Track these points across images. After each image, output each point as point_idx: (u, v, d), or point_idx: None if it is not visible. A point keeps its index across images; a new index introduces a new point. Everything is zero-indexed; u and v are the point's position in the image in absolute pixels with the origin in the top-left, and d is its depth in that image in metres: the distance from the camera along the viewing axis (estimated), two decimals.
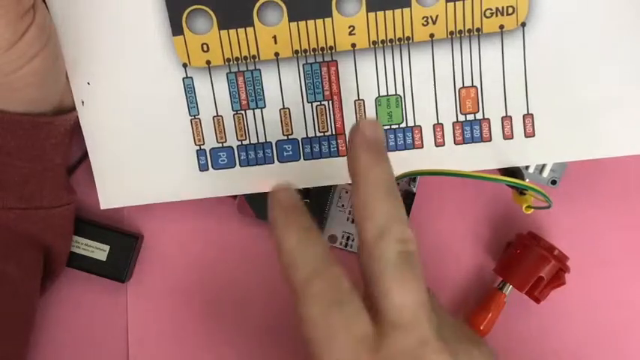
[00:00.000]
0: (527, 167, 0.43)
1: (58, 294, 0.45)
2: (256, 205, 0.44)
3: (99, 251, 0.43)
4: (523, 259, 0.42)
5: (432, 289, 0.45)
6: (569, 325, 0.45)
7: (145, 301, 0.45)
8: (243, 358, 0.45)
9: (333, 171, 0.41)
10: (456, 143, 0.40)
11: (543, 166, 0.43)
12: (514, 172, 0.42)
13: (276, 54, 0.39)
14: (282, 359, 0.45)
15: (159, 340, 0.45)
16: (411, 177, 0.44)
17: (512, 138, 0.40)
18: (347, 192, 0.44)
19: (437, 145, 0.40)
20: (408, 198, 0.44)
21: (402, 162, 0.40)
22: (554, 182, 0.43)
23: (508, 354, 0.45)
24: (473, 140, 0.40)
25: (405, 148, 0.40)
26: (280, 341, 0.45)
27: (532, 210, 0.41)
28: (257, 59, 0.39)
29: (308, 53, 0.39)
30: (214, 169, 0.41)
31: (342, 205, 0.44)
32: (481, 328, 0.43)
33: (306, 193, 0.44)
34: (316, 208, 0.44)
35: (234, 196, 0.44)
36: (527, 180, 0.41)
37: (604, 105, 0.39)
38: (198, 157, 0.41)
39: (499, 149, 0.40)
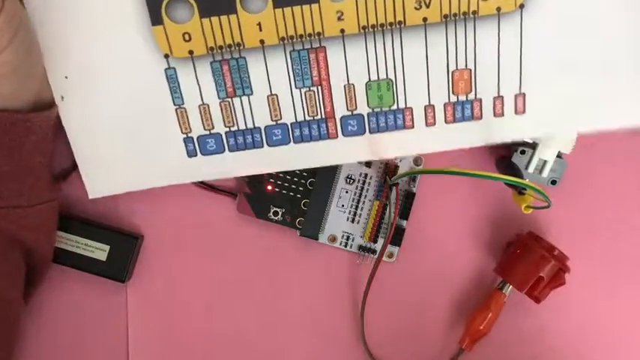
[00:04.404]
0: (527, 167, 0.43)
1: (58, 294, 0.45)
2: (256, 205, 0.44)
3: (99, 251, 0.43)
4: (523, 259, 0.42)
5: (432, 289, 0.45)
6: (569, 325, 0.45)
7: (144, 301, 0.45)
8: (243, 358, 0.45)
9: (323, 153, 0.40)
10: (446, 122, 0.40)
11: (543, 165, 0.43)
12: (513, 170, 0.42)
13: (262, 41, 0.38)
14: (282, 357, 0.45)
15: (159, 340, 0.45)
16: (411, 177, 0.44)
17: (502, 115, 0.40)
18: (347, 192, 0.44)
19: (427, 125, 0.40)
20: (408, 198, 0.44)
21: (391, 142, 0.40)
22: (554, 182, 0.43)
23: (508, 354, 0.45)
24: (464, 119, 0.40)
25: (396, 129, 0.40)
26: (280, 340, 0.45)
27: (531, 210, 0.41)
28: (242, 47, 0.38)
29: (295, 40, 0.38)
30: (203, 154, 0.40)
31: (342, 205, 0.44)
32: (481, 328, 0.43)
33: (306, 193, 0.44)
34: (316, 208, 0.44)
35: (235, 196, 0.44)
36: (526, 180, 0.41)
37: (596, 80, 0.39)
38: (185, 144, 0.40)
39: (489, 126, 0.40)
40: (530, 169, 0.43)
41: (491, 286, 0.44)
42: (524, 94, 0.39)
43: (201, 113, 0.39)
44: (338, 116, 0.40)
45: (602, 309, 0.45)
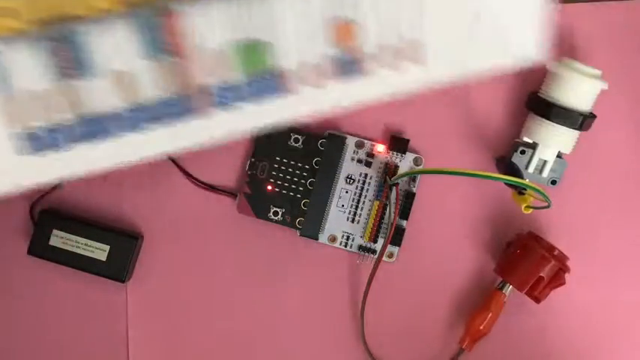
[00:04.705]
0: (527, 167, 0.43)
1: (58, 294, 0.45)
2: (256, 205, 0.44)
3: (99, 251, 0.43)
4: (523, 259, 0.42)
5: (432, 289, 0.45)
6: (569, 325, 0.45)
7: (145, 301, 0.45)
8: (243, 358, 0.45)
9: (193, 132, 0.34)
10: (333, 81, 0.35)
11: (543, 165, 0.43)
12: (513, 170, 0.42)
13: (100, 10, 0.31)
14: (282, 357, 0.45)
15: (159, 340, 0.45)
16: (411, 177, 0.44)
17: (397, 68, 0.35)
18: (347, 192, 0.44)
19: (312, 86, 0.35)
20: (408, 198, 0.44)
21: (275, 109, 0.35)
22: (554, 182, 0.43)
23: (508, 354, 0.45)
24: (352, 76, 0.35)
25: (275, 95, 0.34)
26: (280, 340, 0.45)
27: (531, 210, 0.41)
28: (76, 18, 0.31)
29: (139, 5, 0.32)
30: (38, 151, 0.33)
31: (342, 205, 0.44)
32: (481, 328, 0.43)
33: (306, 193, 0.44)
34: (316, 208, 0.44)
35: (235, 196, 0.44)
36: (526, 180, 0.41)
37: (482, 16, 0.34)
38: (15, 140, 0.33)
39: (381, 80, 0.35)
40: (530, 169, 0.43)
41: (491, 286, 0.44)
42: (418, 41, 0.35)
43: (32, 101, 0.33)
44: (206, 88, 0.34)
45: (602, 309, 0.45)
